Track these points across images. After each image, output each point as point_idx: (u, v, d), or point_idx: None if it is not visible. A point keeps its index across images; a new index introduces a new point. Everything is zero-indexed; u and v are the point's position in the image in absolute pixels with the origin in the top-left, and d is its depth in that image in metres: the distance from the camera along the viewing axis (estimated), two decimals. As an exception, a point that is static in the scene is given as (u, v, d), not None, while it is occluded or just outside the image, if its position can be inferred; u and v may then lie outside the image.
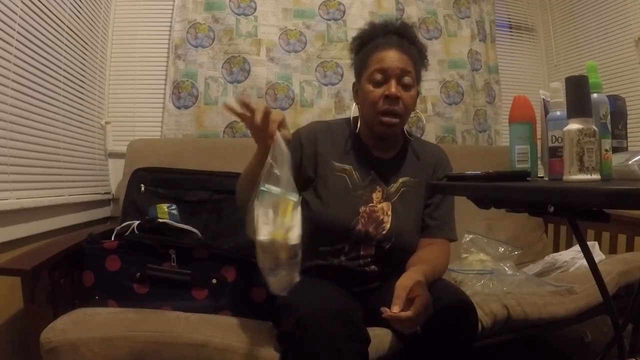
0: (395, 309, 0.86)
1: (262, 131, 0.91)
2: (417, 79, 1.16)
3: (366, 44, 1.17)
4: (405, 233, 1.13)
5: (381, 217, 1.13)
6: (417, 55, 1.16)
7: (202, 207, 1.52)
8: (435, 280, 1.01)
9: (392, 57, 1.10)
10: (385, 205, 1.14)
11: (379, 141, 1.18)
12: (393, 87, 1.09)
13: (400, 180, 1.17)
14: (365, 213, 1.12)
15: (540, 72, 2.57)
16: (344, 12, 2.11)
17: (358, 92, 1.18)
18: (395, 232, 1.12)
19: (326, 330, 0.86)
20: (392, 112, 1.10)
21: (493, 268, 1.36)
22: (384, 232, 1.12)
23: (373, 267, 1.12)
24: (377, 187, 1.15)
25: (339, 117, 1.99)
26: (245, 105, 0.91)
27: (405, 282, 0.90)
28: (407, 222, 1.14)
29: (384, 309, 0.87)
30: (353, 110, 1.22)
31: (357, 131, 1.20)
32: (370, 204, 1.13)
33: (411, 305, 0.88)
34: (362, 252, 1.11)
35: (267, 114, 0.90)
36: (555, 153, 0.81)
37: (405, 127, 1.24)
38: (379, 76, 1.10)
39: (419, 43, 1.18)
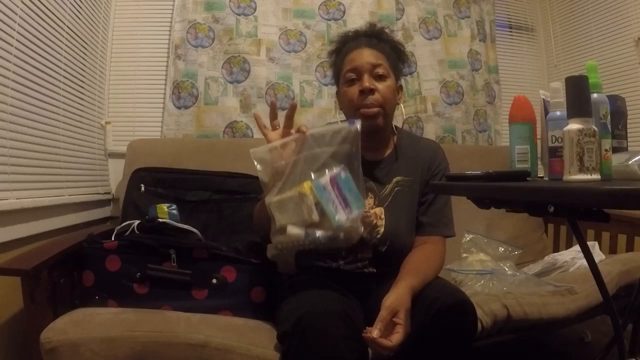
0: (376, 333, 0.87)
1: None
2: (395, 70, 1.18)
3: (339, 52, 1.21)
4: (399, 235, 1.13)
5: (375, 222, 1.13)
6: (390, 50, 1.18)
7: (202, 207, 1.52)
8: (426, 284, 1.01)
9: (362, 55, 1.14)
10: (378, 210, 1.14)
11: (369, 141, 1.17)
12: (366, 82, 1.11)
13: (394, 180, 1.17)
14: None
15: (540, 72, 2.57)
16: (344, 12, 2.11)
17: (340, 97, 1.22)
18: (390, 235, 1.12)
19: (326, 331, 0.86)
20: (369, 104, 1.11)
21: (493, 268, 1.35)
22: (379, 235, 1.12)
23: (371, 268, 1.12)
24: (369, 193, 1.15)
25: (339, 117, 1.99)
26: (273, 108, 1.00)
27: (393, 304, 0.91)
28: (401, 223, 1.14)
29: (367, 329, 0.88)
30: (339, 117, 1.24)
31: None
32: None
33: (392, 327, 0.90)
34: (359, 255, 1.11)
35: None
36: (555, 153, 0.81)
37: (401, 126, 1.24)
38: (352, 75, 1.14)
39: (392, 40, 1.21)
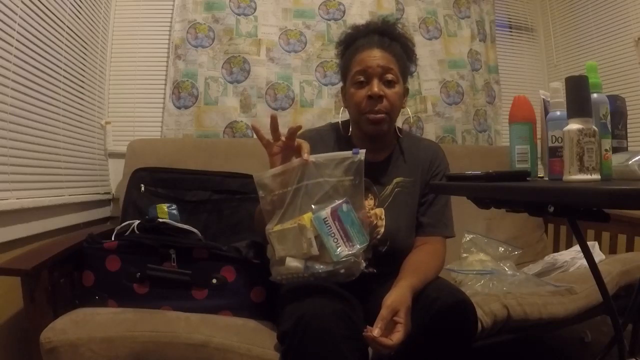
0: (377, 332, 0.87)
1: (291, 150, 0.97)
2: (403, 75, 1.15)
3: (349, 47, 1.18)
4: (400, 236, 1.13)
5: (375, 222, 1.13)
6: (401, 51, 1.15)
7: (202, 207, 1.52)
8: (426, 284, 1.00)
9: (372, 57, 1.10)
10: (378, 211, 1.14)
11: (371, 143, 1.17)
12: (375, 87, 1.09)
13: (394, 180, 1.17)
14: None
15: (540, 72, 2.57)
16: (344, 12, 2.11)
17: (345, 95, 1.19)
18: (390, 235, 1.12)
19: (326, 330, 0.86)
20: (376, 110, 1.10)
21: (493, 268, 1.35)
22: (379, 236, 1.12)
23: (372, 269, 1.12)
24: (369, 194, 1.15)
25: (338, 117, 1.99)
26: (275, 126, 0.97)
27: (394, 303, 0.91)
28: (401, 224, 1.14)
29: (367, 328, 0.88)
30: (342, 114, 1.23)
31: (349, 134, 1.20)
32: (362, 210, 1.13)
33: (393, 327, 0.89)
34: None
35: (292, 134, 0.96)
36: (555, 153, 0.81)
37: (401, 126, 1.24)
38: (361, 77, 1.11)
39: (403, 38, 1.18)
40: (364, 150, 0.96)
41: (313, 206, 0.92)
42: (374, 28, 1.17)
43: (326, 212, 0.91)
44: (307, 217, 0.91)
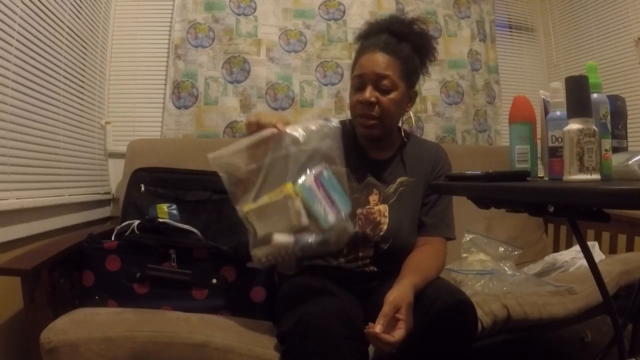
0: (379, 328, 0.86)
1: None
2: (407, 79, 1.12)
3: (359, 43, 1.18)
4: (402, 234, 1.13)
5: (378, 219, 1.13)
6: (411, 52, 1.12)
7: (202, 207, 1.52)
8: (427, 284, 1.00)
9: (371, 62, 1.08)
10: (382, 207, 1.14)
11: (372, 142, 1.18)
12: (367, 93, 1.08)
13: (398, 180, 1.17)
14: (362, 215, 1.12)
15: (540, 72, 2.57)
16: (344, 12, 2.11)
17: None
18: (393, 233, 1.12)
19: (326, 330, 0.86)
20: (367, 115, 1.10)
21: (493, 268, 1.35)
22: (382, 233, 1.12)
23: (372, 267, 1.12)
24: (374, 189, 1.15)
25: (339, 117, 2.00)
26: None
27: (396, 300, 0.90)
28: (405, 222, 1.14)
29: (370, 325, 0.87)
30: (349, 113, 1.23)
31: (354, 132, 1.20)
32: (367, 207, 1.13)
33: (395, 324, 0.89)
34: (360, 254, 1.11)
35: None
36: (555, 153, 0.81)
37: (404, 127, 1.24)
38: (357, 82, 1.11)
39: (417, 37, 1.14)
40: (337, 120, 0.94)
41: (290, 175, 0.87)
42: (385, 26, 1.14)
43: (310, 179, 0.87)
44: (289, 187, 0.85)
